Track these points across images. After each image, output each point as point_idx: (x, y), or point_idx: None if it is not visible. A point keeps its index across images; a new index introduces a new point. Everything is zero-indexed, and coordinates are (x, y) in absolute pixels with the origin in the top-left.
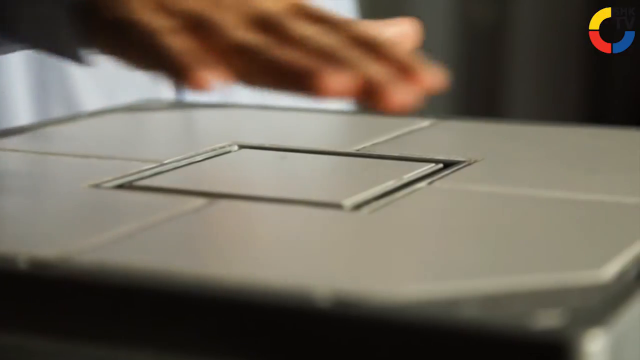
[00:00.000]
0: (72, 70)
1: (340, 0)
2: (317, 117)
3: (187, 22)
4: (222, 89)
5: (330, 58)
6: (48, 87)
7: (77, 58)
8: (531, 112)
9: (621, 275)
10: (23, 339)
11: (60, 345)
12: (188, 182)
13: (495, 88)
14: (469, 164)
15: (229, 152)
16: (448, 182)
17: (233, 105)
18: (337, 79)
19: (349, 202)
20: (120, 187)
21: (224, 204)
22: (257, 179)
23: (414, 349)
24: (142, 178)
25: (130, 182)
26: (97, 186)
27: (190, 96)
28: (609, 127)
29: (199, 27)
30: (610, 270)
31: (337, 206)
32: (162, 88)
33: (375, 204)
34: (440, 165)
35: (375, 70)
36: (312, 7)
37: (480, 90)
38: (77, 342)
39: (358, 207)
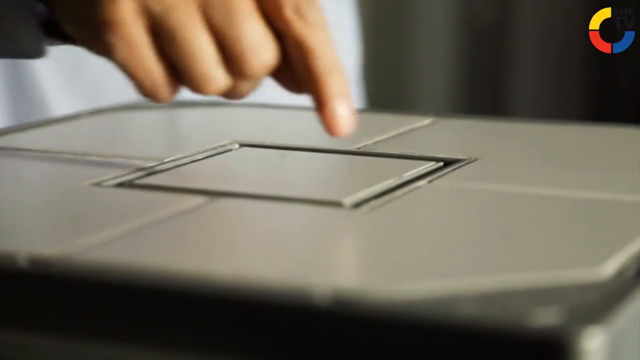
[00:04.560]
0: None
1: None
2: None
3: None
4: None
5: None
6: (21, 89)
7: (39, 54)
8: (532, 111)
9: (620, 273)
10: (23, 337)
11: (60, 343)
12: (188, 180)
13: (497, 86)
14: (469, 162)
15: (230, 150)
16: (448, 181)
17: (233, 103)
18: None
19: (349, 200)
20: (121, 185)
21: (224, 202)
22: (258, 177)
23: (413, 346)
24: (142, 177)
25: (131, 180)
26: (97, 185)
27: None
28: (609, 125)
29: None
30: (609, 267)
31: (337, 204)
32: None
33: (375, 203)
34: (441, 164)
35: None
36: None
37: (482, 89)
38: (77, 340)
39: (358, 205)
